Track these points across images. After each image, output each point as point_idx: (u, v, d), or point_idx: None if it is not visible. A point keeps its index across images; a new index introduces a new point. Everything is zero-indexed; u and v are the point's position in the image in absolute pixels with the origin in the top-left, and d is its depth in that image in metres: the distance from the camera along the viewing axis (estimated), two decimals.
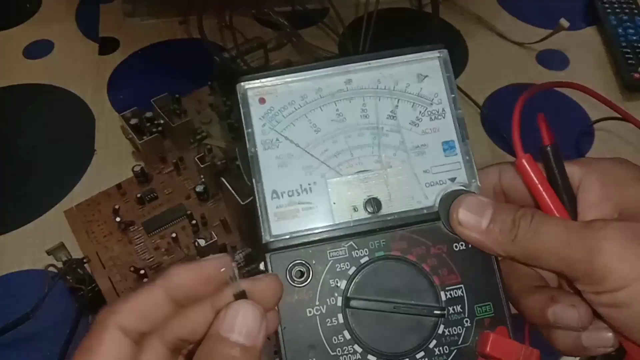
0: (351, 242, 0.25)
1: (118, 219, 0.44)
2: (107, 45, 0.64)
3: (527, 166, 0.27)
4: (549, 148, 0.28)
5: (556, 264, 0.23)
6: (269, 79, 0.26)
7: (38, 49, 0.64)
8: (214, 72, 0.53)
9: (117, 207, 0.46)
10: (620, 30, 0.64)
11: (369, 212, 0.25)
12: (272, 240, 0.25)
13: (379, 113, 0.26)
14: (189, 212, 0.45)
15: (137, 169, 0.47)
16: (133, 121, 0.49)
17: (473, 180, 0.26)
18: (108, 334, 0.21)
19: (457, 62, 0.63)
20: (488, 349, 0.23)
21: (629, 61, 0.60)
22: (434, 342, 0.24)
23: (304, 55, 0.61)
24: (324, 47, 0.60)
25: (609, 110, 0.51)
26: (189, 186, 0.48)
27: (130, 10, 0.67)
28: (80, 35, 0.66)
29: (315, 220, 0.25)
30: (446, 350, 0.24)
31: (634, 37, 0.63)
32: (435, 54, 0.28)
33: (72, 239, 0.45)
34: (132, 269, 0.42)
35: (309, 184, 0.25)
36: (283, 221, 0.25)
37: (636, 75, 0.59)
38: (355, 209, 0.25)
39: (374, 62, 0.27)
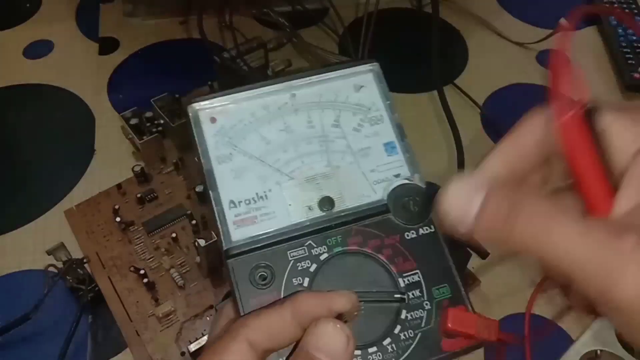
0: (310, 241, 0.26)
1: (118, 219, 0.44)
2: (107, 45, 0.64)
3: (571, 130, 0.20)
4: (591, 106, 0.21)
5: (565, 271, 0.19)
6: (218, 99, 0.29)
7: (38, 49, 0.64)
8: (214, 72, 0.53)
9: (117, 207, 0.46)
10: (620, 30, 0.64)
11: (324, 210, 0.27)
12: (232, 246, 0.26)
13: (324, 123, 0.29)
14: (189, 212, 0.45)
15: (137, 169, 0.47)
16: (133, 121, 0.49)
17: (416, 174, 0.28)
18: (237, 344, 0.22)
19: (457, 62, 0.63)
20: (449, 324, 0.24)
21: (629, 61, 0.61)
22: (399, 327, 0.25)
23: (304, 56, 0.61)
24: (324, 47, 0.60)
25: None
26: (189, 186, 0.48)
27: (130, 10, 0.67)
28: (80, 35, 0.66)
29: (273, 223, 0.26)
30: (411, 334, 0.25)
31: (634, 37, 0.63)
32: (368, 67, 0.30)
33: (72, 239, 0.45)
34: (132, 269, 0.42)
35: (265, 192, 0.27)
36: (242, 228, 0.26)
37: (636, 75, 0.59)
38: (310, 209, 0.27)
39: (314, 78, 0.30)
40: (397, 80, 0.60)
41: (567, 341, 0.41)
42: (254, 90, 0.29)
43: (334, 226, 0.27)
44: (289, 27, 0.60)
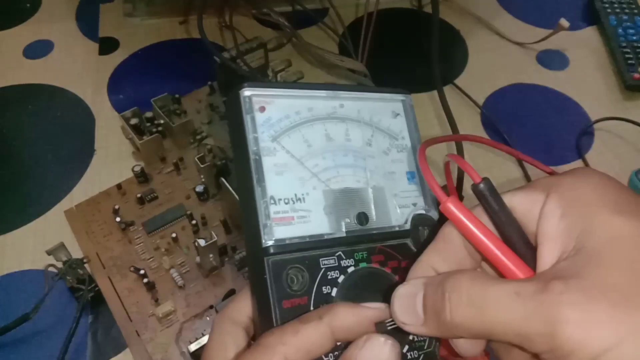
0: (340, 252, 0.26)
1: (118, 219, 0.44)
2: (107, 45, 0.64)
3: (454, 210, 0.23)
4: (481, 185, 0.23)
5: (512, 339, 0.19)
6: (270, 89, 0.28)
7: (38, 49, 0.64)
8: (214, 72, 0.53)
9: (117, 207, 0.46)
10: (620, 30, 0.64)
11: (359, 225, 0.27)
12: (272, 244, 0.25)
13: (360, 139, 0.29)
14: (189, 212, 0.45)
15: (137, 169, 0.47)
16: (133, 121, 0.49)
17: (431, 209, 0.29)
18: None
19: (457, 62, 0.63)
20: (446, 350, 0.26)
21: (629, 61, 0.61)
22: (407, 347, 0.26)
23: (304, 56, 0.61)
24: (324, 47, 0.60)
25: (609, 111, 0.51)
26: (189, 186, 0.48)
27: (130, 10, 0.67)
28: (80, 35, 0.66)
29: (309, 228, 0.26)
30: (415, 354, 0.26)
31: (634, 37, 0.63)
32: (401, 97, 0.31)
33: (72, 239, 0.45)
34: (132, 269, 0.42)
35: (303, 194, 0.27)
36: (280, 227, 0.26)
37: (636, 75, 0.59)
38: (346, 221, 0.27)
39: (359, 94, 0.30)
40: (397, 80, 0.61)
41: None
42: (304, 90, 0.29)
43: (365, 241, 0.27)
44: (289, 27, 0.60)
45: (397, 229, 0.28)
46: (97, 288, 0.42)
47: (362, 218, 0.27)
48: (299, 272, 0.25)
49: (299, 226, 0.26)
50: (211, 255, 0.41)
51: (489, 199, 0.23)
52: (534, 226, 0.22)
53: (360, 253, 0.27)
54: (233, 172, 0.46)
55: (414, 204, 0.29)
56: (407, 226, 0.28)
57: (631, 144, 0.55)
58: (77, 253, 0.43)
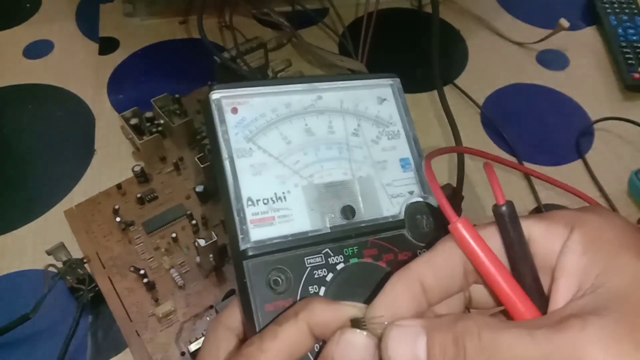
0: (327, 249, 0.25)
1: (118, 219, 0.44)
2: (107, 45, 0.64)
3: (464, 233, 0.22)
4: (504, 208, 0.22)
5: None
6: (242, 89, 0.27)
7: (38, 49, 0.64)
8: (214, 72, 0.53)
9: (117, 207, 0.46)
10: (620, 30, 0.64)
11: (344, 219, 0.26)
12: (250, 246, 0.24)
13: (345, 130, 0.28)
14: (189, 212, 0.45)
15: (137, 169, 0.47)
16: (133, 121, 0.49)
17: (429, 194, 0.28)
18: None
19: (457, 62, 0.63)
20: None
21: (629, 61, 0.61)
22: None
23: (304, 56, 0.61)
24: (324, 47, 0.60)
25: (609, 111, 0.51)
26: (189, 186, 0.48)
27: (130, 10, 0.67)
28: (80, 35, 0.66)
29: (292, 227, 0.25)
30: None
31: (634, 37, 0.63)
32: (389, 81, 0.30)
33: (72, 239, 0.45)
34: (132, 269, 0.42)
35: (283, 193, 0.26)
36: (260, 228, 0.25)
37: (636, 75, 0.59)
38: (331, 216, 0.26)
39: (339, 83, 0.29)
40: None
41: None
42: (279, 86, 0.28)
43: (353, 236, 0.26)
44: (289, 27, 0.60)
45: (390, 219, 0.27)
46: (97, 288, 0.42)
47: (348, 211, 0.26)
48: (282, 273, 0.24)
49: (281, 226, 0.25)
50: (211, 255, 0.41)
51: (508, 225, 0.22)
52: (552, 260, 0.22)
53: (350, 248, 0.26)
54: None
55: (410, 192, 0.28)
56: (402, 216, 0.27)
57: (631, 144, 0.55)
58: (77, 253, 0.43)
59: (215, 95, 0.27)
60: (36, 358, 0.41)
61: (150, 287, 0.41)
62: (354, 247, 0.26)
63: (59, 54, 0.63)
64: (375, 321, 0.22)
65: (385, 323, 0.22)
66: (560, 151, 0.54)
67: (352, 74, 0.30)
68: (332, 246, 0.26)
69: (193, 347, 0.37)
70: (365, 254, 0.26)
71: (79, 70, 0.61)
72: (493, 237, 0.23)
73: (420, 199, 0.28)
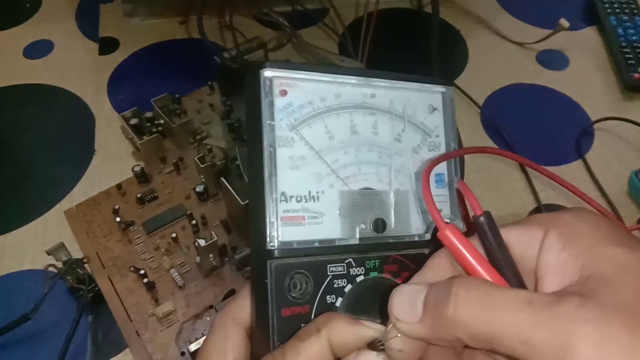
0: (350, 259, 0.24)
1: (118, 219, 0.44)
2: (107, 45, 0.64)
3: (453, 239, 0.22)
4: (481, 219, 0.23)
5: (516, 347, 0.18)
6: (294, 72, 0.25)
7: (38, 49, 0.64)
8: (214, 72, 0.53)
9: (117, 207, 0.46)
10: (620, 30, 0.64)
11: (374, 232, 0.25)
12: (277, 247, 0.23)
13: (388, 133, 0.26)
14: (189, 212, 0.45)
15: (137, 169, 0.47)
16: (133, 121, 0.49)
17: (456, 219, 0.27)
18: None
19: (457, 62, 0.63)
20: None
21: (629, 61, 0.61)
22: None
23: (304, 56, 0.61)
24: (324, 47, 0.60)
25: (609, 111, 0.51)
26: (189, 186, 0.48)
27: (130, 10, 0.67)
28: (80, 35, 0.66)
29: (321, 231, 0.24)
30: None
31: (634, 37, 0.63)
32: (442, 88, 0.28)
33: (72, 239, 0.45)
34: (132, 269, 0.42)
35: (317, 192, 0.24)
36: (289, 227, 0.23)
37: (636, 75, 0.59)
38: (362, 227, 0.25)
39: (394, 83, 0.27)
40: None
41: None
42: (333, 74, 0.25)
43: (379, 250, 0.25)
44: (289, 27, 0.60)
45: (416, 238, 0.26)
46: (97, 288, 0.42)
47: (380, 225, 0.25)
48: (303, 278, 0.23)
49: (310, 227, 0.24)
50: (211, 255, 0.41)
51: (488, 234, 0.22)
52: (532, 262, 0.22)
53: (372, 261, 0.25)
54: (233, 172, 0.46)
55: (440, 210, 0.26)
56: (428, 236, 0.26)
57: (631, 144, 0.55)
58: (77, 253, 0.43)
59: (267, 72, 0.24)
60: (36, 358, 0.41)
61: (150, 287, 0.41)
62: (376, 261, 0.25)
63: (59, 54, 0.63)
64: (390, 342, 0.22)
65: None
66: (560, 151, 0.54)
67: (409, 75, 0.28)
68: (356, 256, 0.25)
69: (193, 347, 0.37)
70: (386, 269, 0.25)
71: (79, 70, 0.61)
72: (480, 246, 0.23)
73: (448, 221, 0.26)
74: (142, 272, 0.41)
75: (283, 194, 0.23)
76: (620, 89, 0.60)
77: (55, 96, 0.59)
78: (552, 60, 0.63)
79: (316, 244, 0.24)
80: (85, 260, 0.43)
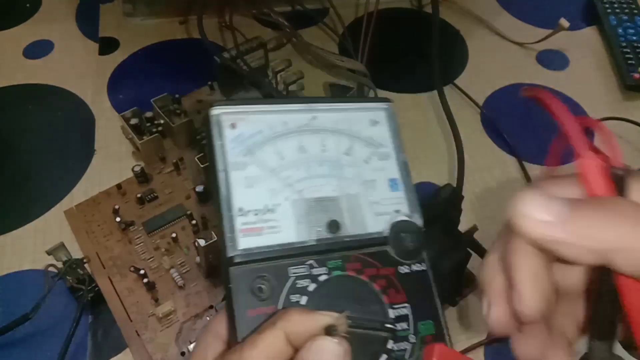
0: (311, 261, 0.26)
1: (118, 219, 0.44)
2: (107, 45, 0.64)
3: (596, 173, 0.21)
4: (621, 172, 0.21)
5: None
6: (241, 106, 0.29)
7: (38, 49, 0.64)
8: (214, 72, 0.53)
9: (117, 207, 0.46)
10: (620, 30, 0.64)
11: (330, 233, 0.27)
12: (237, 254, 0.26)
13: (337, 149, 0.30)
14: (189, 212, 0.45)
15: (137, 169, 0.47)
16: (133, 121, 0.49)
17: (415, 214, 0.29)
18: None
19: (457, 62, 0.63)
20: (434, 358, 0.25)
21: (629, 61, 0.61)
22: (385, 356, 0.25)
23: (304, 56, 0.61)
24: (324, 47, 0.60)
25: (609, 111, 0.51)
26: (189, 186, 0.48)
27: (130, 10, 0.67)
28: (80, 35, 0.66)
29: (279, 238, 0.27)
30: None
31: (634, 37, 0.63)
32: (384, 105, 0.31)
33: (72, 239, 0.45)
34: (132, 269, 0.42)
35: (274, 205, 0.27)
36: (248, 237, 0.26)
37: (636, 75, 0.59)
38: (317, 229, 0.27)
39: (334, 105, 0.30)
40: (397, 81, 0.61)
41: None
42: (277, 105, 0.30)
43: (337, 250, 0.27)
44: (289, 27, 0.60)
45: (373, 236, 0.28)
46: (97, 288, 0.42)
47: (334, 226, 0.28)
48: (266, 281, 0.25)
49: (269, 236, 0.26)
50: (211, 255, 0.41)
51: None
52: None
53: (334, 261, 0.27)
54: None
55: (397, 211, 0.29)
56: (386, 233, 0.28)
57: (631, 144, 0.55)
58: (77, 253, 0.43)
59: (215, 111, 0.28)
60: (36, 358, 0.41)
61: (150, 287, 0.41)
62: (338, 261, 0.27)
63: (59, 54, 0.63)
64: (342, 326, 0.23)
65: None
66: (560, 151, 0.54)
67: (348, 97, 0.31)
68: (317, 258, 0.27)
69: (193, 347, 0.37)
70: (348, 267, 0.27)
71: (79, 70, 0.61)
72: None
73: (406, 218, 0.29)
74: (142, 272, 0.41)
75: (241, 209, 0.26)
76: (620, 89, 0.60)
77: (55, 96, 0.59)
78: (552, 60, 0.63)
79: (275, 249, 0.26)
80: (85, 260, 0.43)
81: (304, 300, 0.25)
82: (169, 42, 0.64)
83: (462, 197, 0.44)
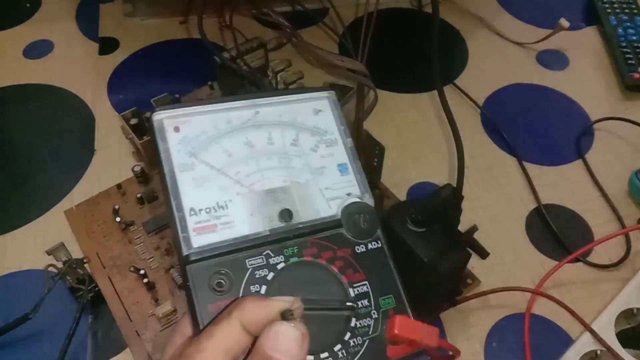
0: (267, 251, 0.27)
1: (118, 219, 0.44)
2: (107, 45, 0.64)
3: None
4: None
5: None
6: (183, 109, 0.29)
7: (38, 49, 0.64)
8: (214, 72, 0.53)
9: (117, 207, 0.46)
10: (620, 30, 0.64)
11: (283, 222, 0.28)
12: (191, 252, 0.26)
13: (284, 141, 0.30)
14: None
15: (137, 169, 0.47)
16: (133, 121, 0.49)
17: (366, 194, 0.30)
18: None
19: (457, 62, 0.63)
20: (396, 330, 0.26)
21: (629, 61, 0.61)
22: (349, 334, 0.26)
23: (304, 56, 0.61)
24: (324, 47, 0.60)
25: (609, 111, 0.51)
26: None
27: (130, 10, 0.67)
28: (80, 35, 0.66)
29: (233, 232, 0.27)
30: (360, 341, 0.26)
31: (634, 37, 0.63)
32: (325, 94, 0.32)
33: (72, 239, 0.45)
34: (132, 269, 0.42)
35: (225, 201, 0.28)
36: (202, 235, 0.27)
37: (636, 75, 0.59)
38: (270, 220, 0.28)
39: (276, 99, 0.31)
40: (397, 80, 0.61)
41: (567, 341, 0.41)
42: (219, 104, 0.30)
43: (292, 237, 0.28)
44: (289, 27, 0.60)
45: (326, 220, 0.29)
46: (97, 288, 0.42)
47: (285, 214, 0.28)
48: (224, 275, 0.26)
49: (223, 232, 0.27)
50: None
51: None
52: None
53: (290, 249, 0.27)
54: None
55: (348, 194, 0.30)
56: (338, 216, 0.29)
57: (631, 144, 0.55)
58: (77, 253, 0.43)
59: (157, 116, 0.29)
60: (36, 358, 0.41)
61: (150, 287, 0.41)
62: (294, 247, 0.28)
63: (59, 54, 0.63)
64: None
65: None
66: (560, 151, 0.54)
67: (290, 90, 0.32)
68: (273, 247, 0.27)
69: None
70: (305, 253, 0.28)
71: (79, 70, 0.61)
72: None
73: (357, 199, 0.30)
74: (142, 272, 0.41)
75: (192, 209, 0.27)
76: (621, 89, 0.60)
77: (55, 96, 0.59)
78: (552, 60, 0.63)
79: (230, 243, 0.27)
80: (85, 260, 0.43)
81: (263, 289, 0.26)
82: (169, 42, 0.64)
83: (462, 197, 0.44)
